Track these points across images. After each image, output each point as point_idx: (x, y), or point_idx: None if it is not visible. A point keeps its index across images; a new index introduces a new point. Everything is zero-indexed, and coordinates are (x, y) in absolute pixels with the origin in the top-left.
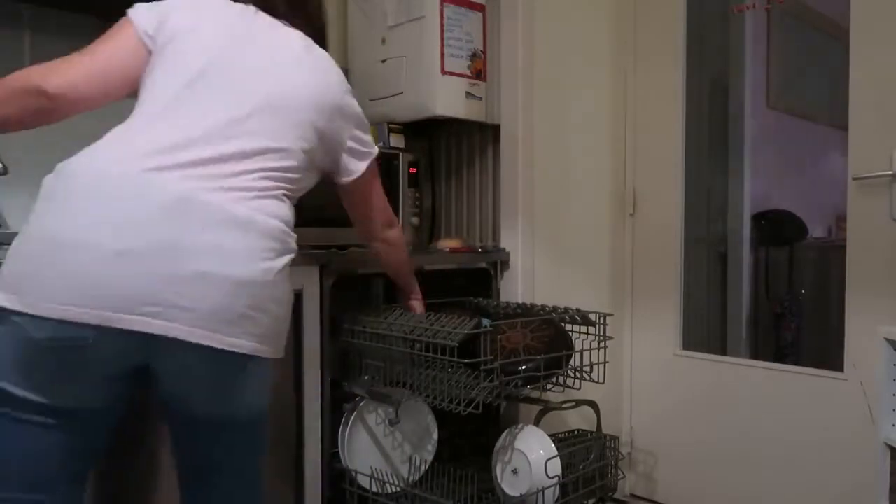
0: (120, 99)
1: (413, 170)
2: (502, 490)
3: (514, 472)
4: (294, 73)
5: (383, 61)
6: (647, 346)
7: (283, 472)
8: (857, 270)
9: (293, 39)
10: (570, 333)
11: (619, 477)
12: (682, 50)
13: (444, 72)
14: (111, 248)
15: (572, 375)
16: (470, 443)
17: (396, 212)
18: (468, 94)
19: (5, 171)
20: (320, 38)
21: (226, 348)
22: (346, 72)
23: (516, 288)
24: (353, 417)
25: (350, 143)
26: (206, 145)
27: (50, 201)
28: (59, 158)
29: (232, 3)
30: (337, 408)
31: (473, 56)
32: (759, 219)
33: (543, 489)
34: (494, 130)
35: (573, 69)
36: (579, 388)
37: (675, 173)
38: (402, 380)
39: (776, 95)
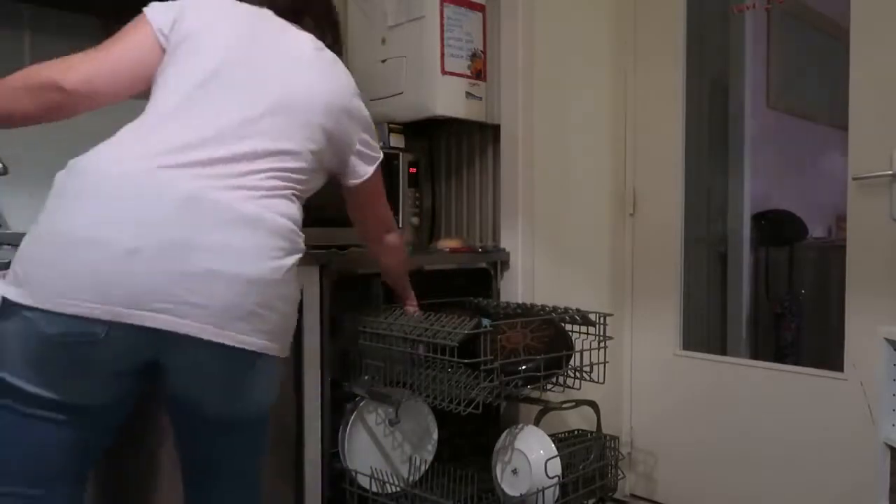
0: (135, 96)
1: (413, 170)
2: (502, 490)
3: (514, 472)
4: (304, 75)
5: (383, 61)
6: (647, 346)
7: (283, 472)
8: (857, 270)
9: (304, 42)
10: (570, 333)
11: (619, 477)
12: (682, 50)
13: (444, 72)
14: (123, 246)
15: (572, 375)
16: (470, 443)
17: (396, 212)
18: (468, 94)
19: (5, 171)
20: (332, 40)
21: (236, 345)
22: None
23: (516, 288)
24: (353, 417)
25: (358, 147)
26: (218, 145)
27: (61, 198)
28: (60, 158)
29: (245, 4)
30: (337, 408)
31: (473, 56)
32: (759, 219)
33: (543, 489)
34: (494, 130)
35: (573, 69)
36: (579, 388)
37: (675, 173)
38: (402, 380)
39: (776, 95)
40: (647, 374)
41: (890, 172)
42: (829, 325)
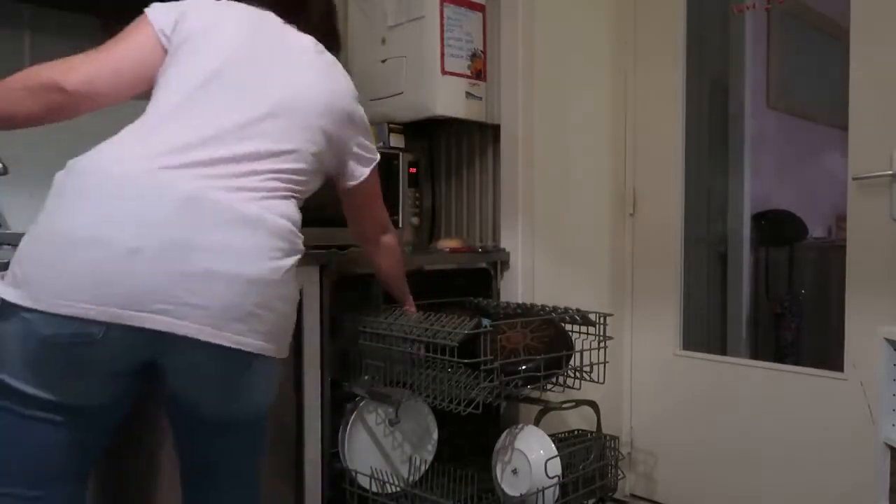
0: (135, 97)
1: (413, 170)
2: (502, 490)
3: (514, 472)
4: (306, 77)
5: (383, 61)
6: (647, 346)
7: (283, 472)
8: (857, 270)
9: (305, 43)
10: (570, 333)
11: (619, 477)
12: (682, 50)
13: (444, 72)
14: (123, 246)
15: (572, 375)
16: (470, 443)
17: (396, 212)
18: (468, 94)
19: (5, 171)
20: (330, 42)
21: (233, 346)
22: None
23: (516, 288)
24: (353, 417)
25: (356, 149)
26: (219, 145)
27: (61, 198)
28: (60, 158)
29: (247, 6)
30: (337, 408)
31: (473, 56)
32: (759, 219)
33: (543, 489)
34: (494, 130)
35: (573, 69)
36: (579, 388)
37: (675, 173)
38: (402, 380)
39: (776, 95)
40: (647, 374)
41: (890, 172)
42: (829, 325)
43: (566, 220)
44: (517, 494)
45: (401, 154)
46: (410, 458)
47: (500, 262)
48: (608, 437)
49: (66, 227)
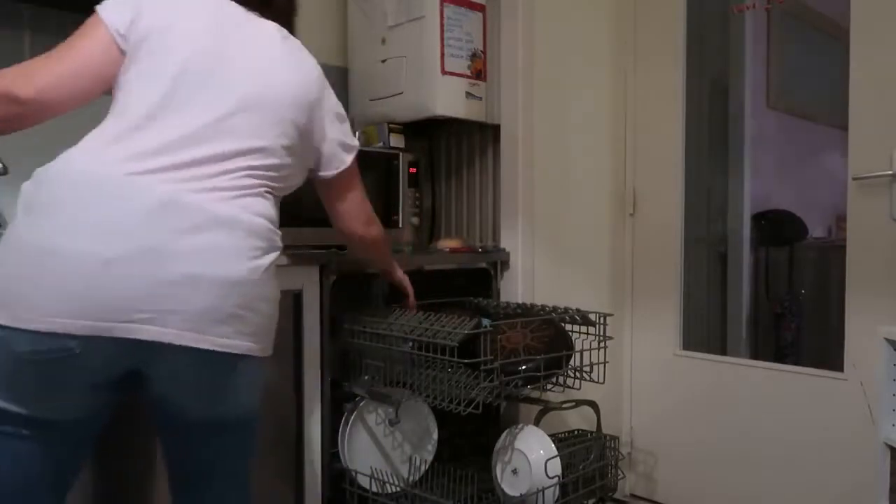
0: (95, 99)
1: (413, 170)
2: (502, 490)
3: (514, 472)
4: (273, 70)
5: (383, 61)
6: (647, 346)
7: (283, 472)
8: (857, 270)
9: (270, 32)
10: (570, 333)
11: (619, 477)
12: (682, 50)
13: (444, 72)
14: (97, 256)
15: (572, 375)
16: (470, 443)
17: (396, 212)
18: (468, 94)
19: (5, 171)
20: (291, 25)
21: (216, 349)
22: (345, 72)
23: (516, 288)
24: (353, 417)
25: (330, 136)
26: (188, 147)
27: (30, 210)
28: None
29: None
30: (337, 408)
31: (473, 56)
32: (759, 219)
33: (543, 489)
34: (494, 130)
35: (573, 69)
36: (579, 388)
37: (675, 173)
38: (402, 380)
39: (776, 95)
40: (647, 374)
41: (890, 172)
42: (829, 325)
43: (566, 220)
44: (517, 494)
45: (401, 154)
46: (410, 458)
47: (500, 262)
48: (608, 437)
49: (37, 239)
